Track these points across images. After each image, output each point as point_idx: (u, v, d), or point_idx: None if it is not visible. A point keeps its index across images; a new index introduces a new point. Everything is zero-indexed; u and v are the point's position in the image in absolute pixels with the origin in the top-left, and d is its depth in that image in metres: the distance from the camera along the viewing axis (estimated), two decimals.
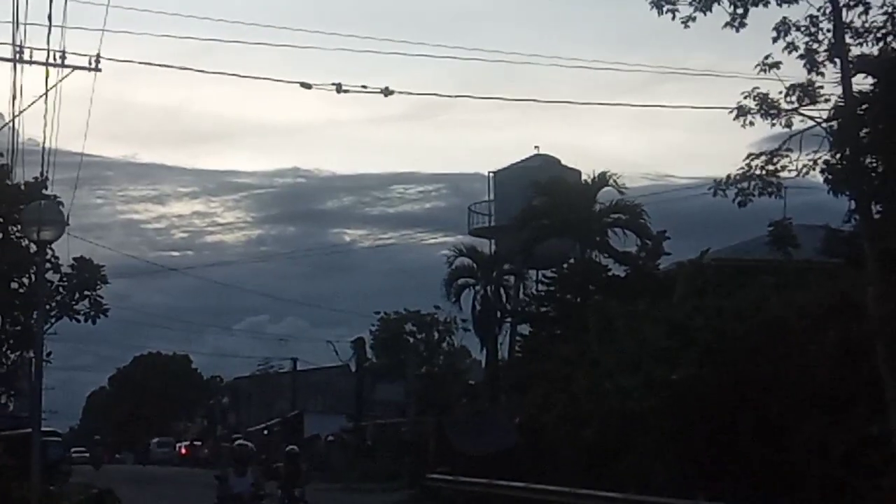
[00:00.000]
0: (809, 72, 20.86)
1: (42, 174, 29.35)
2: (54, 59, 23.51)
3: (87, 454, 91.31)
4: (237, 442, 18.21)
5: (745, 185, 21.53)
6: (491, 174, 59.13)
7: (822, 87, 20.98)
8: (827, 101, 21.10)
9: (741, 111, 21.33)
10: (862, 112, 20.89)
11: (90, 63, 23.46)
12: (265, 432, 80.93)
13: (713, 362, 23.75)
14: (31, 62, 23.56)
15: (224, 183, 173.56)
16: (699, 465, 23.41)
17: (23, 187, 30.24)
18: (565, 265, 46.49)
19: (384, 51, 36.23)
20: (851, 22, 20.62)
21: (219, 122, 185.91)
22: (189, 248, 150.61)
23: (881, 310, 19.78)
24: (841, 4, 20.41)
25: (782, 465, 21.69)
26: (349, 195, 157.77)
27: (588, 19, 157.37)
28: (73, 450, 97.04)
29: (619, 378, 26.34)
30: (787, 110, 21.18)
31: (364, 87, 23.10)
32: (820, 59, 20.72)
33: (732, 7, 21.06)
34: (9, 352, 31.89)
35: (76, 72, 23.80)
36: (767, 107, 21.17)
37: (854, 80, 20.74)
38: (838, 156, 20.71)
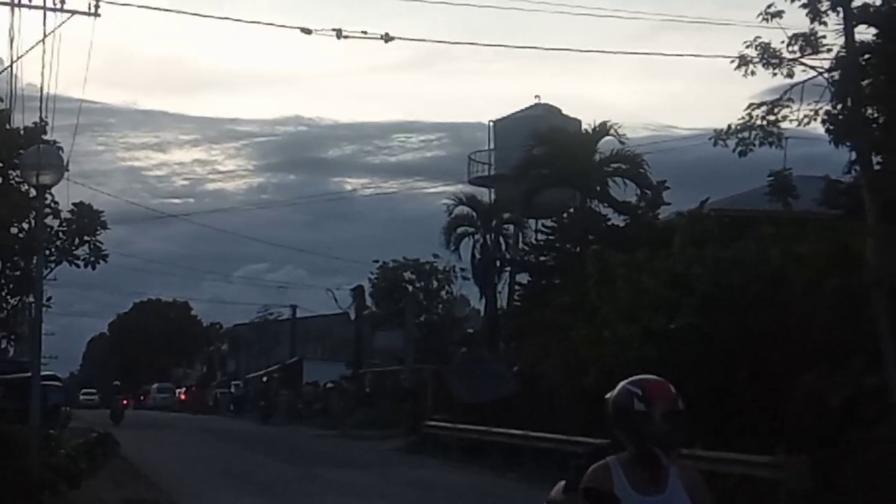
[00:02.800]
0: (812, 21, 20.74)
1: (41, 119, 29.24)
2: (53, 3, 23.37)
3: (96, 398, 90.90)
4: (638, 379, 5.56)
5: (745, 134, 21.49)
6: (491, 123, 59.07)
7: (824, 37, 20.89)
8: (829, 50, 21.02)
9: (743, 60, 21.24)
10: (864, 62, 20.80)
11: (89, 7, 23.34)
12: (264, 379, 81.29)
13: (711, 312, 23.79)
14: (29, 6, 23.39)
15: (226, 130, 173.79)
16: (696, 414, 23.38)
17: (22, 132, 30.11)
18: (565, 214, 46.46)
19: None
20: None
21: (221, 69, 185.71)
22: (190, 196, 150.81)
23: (880, 261, 19.80)
24: None
25: (779, 414, 21.76)
26: (351, 144, 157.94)
27: None
28: (82, 391, 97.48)
29: (617, 327, 26.39)
30: (788, 60, 21.08)
31: (364, 32, 23.03)
32: (822, 9, 20.59)
33: None
34: (8, 296, 31.83)
35: (76, 17, 23.67)
36: (769, 56, 21.08)
37: (856, 30, 20.65)
38: (839, 106, 20.65)
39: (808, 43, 20.90)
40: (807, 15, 20.71)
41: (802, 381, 21.34)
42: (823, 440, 20.23)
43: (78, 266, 33.38)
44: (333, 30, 22.72)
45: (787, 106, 21.27)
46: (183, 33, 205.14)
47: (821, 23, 20.72)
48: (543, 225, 48.30)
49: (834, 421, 20.31)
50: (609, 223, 43.86)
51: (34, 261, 25.86)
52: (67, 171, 27.37)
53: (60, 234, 32.96)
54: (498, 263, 53.60)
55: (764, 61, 21.14)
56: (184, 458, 34.33)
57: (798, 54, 21.01)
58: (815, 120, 21.11)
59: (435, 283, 63.44)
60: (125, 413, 59.98)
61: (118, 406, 59.54)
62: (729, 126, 21.56)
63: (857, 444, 19.40)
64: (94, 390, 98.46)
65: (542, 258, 46.54)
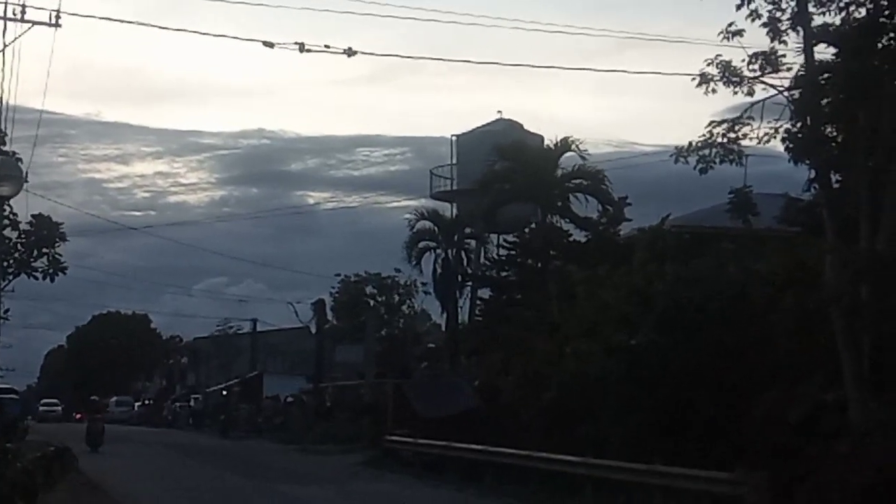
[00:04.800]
0: (772, 40, 20.92)
1: (0, 130, 29.14)
2: (13, 13, 23.27)
3: (59, 409, 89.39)
4: None
5: (706, 152, 21.60)
6: (454, 138, 59.06)
7: (784, 56, 21.10)
8: (789, 69, 21.22)
9: (704, 78, 21.38)
10: (823, 81, 20.98)
11: (50, 18, 23.26)
12: (224, 393, 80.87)
13: (672, 328, 23.88)
14: None
15: (188, 143, 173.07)
16: (657, 430, 23.56)
17: None
18: (526, 230, 46.53)
19: (349, 10, 35.86)
20: None
21: (183, 82, 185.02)
22: (151, 208, 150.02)
23: (838, 278, 19.95)
24: None
25: (739, 430, 21.86)
26: (314, 157, 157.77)
27: None
28: (43, 402, 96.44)
29: (578, 343, 26.45)
30: (749, 78, 21.23)
31: (327, 46, 23.03)
32: (783, 28, 20.77)
33: None
34: None
35: (37, 27, 23.57)
36: (730, 74, 21.23)
37: (816, 49, 20.84)
38: (799, 124, 20.81)
39: (769, 61, 21.07)
40: (767, 34, 20.90)
41: (762, 398, 21.46)
42: (783, 456, 20.32)
43: (36, 278, 33.30)
44: (296, 43, 22.76)
45: (748, 124, 21.43)
46: (145, 45, 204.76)
47: (781, 42, 20.91)
48: (505, 240, 48.38)
49: (794, 437, 20.41)
50: (570, 239, 43.97)
51: None
52: (27, 182, 27.35)
53: (19, 246, 32.85)
54: (459, 278, 53.56)
55: (725, 79, 21.29)
56: (142, 472, 34.07)
57: (758, 73, 21.18)
58: (775, 138, 21.29)
59: (396, 298, 63.32)
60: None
61: (96, 427, 45.37)
62: (690, 143, 21.68)
63: (817, 459, 19.50)
64: (56, 401, 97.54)
65: (503, 273, 46.57)
